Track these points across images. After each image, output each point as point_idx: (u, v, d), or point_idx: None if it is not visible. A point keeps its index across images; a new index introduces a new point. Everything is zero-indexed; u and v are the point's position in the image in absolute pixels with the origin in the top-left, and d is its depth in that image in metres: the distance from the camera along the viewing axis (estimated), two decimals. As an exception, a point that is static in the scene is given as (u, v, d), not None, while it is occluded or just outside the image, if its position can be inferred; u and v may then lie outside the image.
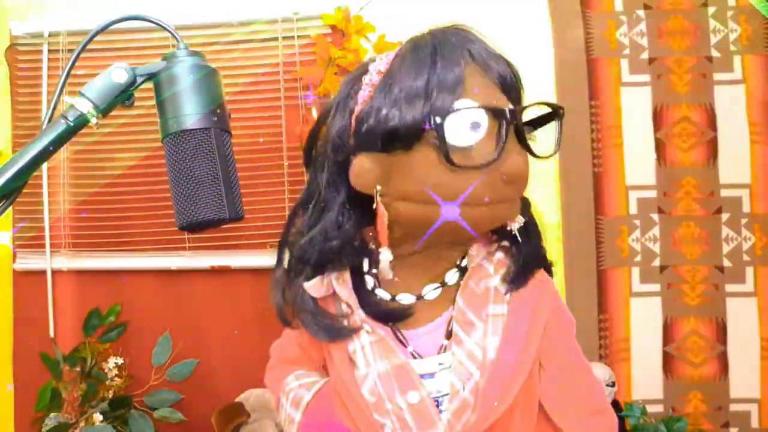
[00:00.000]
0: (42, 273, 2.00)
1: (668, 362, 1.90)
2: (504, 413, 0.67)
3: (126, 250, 2.00)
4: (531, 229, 0.72)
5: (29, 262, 2.02)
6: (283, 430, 0.81)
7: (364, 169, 0.65)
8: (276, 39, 1.96)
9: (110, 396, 1.85)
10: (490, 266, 0.72)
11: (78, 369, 1.85)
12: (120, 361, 1.89)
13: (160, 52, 0.65)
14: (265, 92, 1.97)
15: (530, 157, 0.65)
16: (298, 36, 1.95)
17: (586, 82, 1.93)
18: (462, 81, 0.62)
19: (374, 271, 0.74)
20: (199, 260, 1.98)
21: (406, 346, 0.71)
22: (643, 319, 1.91)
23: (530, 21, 1.93)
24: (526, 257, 0.71)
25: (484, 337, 0.69)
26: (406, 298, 0.72)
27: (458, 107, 0.60)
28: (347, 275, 0.72)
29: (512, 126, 0.62)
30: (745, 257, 1.90)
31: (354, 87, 0.68)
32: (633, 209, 1.93)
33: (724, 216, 1.90)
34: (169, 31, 0.62)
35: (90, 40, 0.62)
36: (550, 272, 0.76)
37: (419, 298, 0.71)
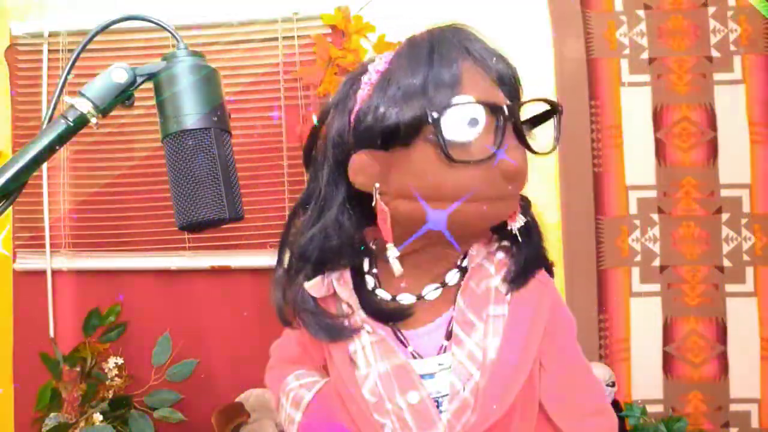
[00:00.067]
0: (42, 273, 2.00)
1: (668, 362, 1.90)
2: (504, 413, 0.67)
3: (126, 250, 2.00)
4: (532, 229, 0.72)
5: (29, 262, 2.02)
6: (283, 430, 0.81)
7: (362, 165, 0.65)
8: (276, 39, 1.96)
9: (110, 396, 1.85)
10: (490, 266, 0.72)
11: (78, 369, 1.85)
12: (120, 361, 1.89)
13: (160, 52, 0.65)
14: (265, 92, 1.97)
15: (531, 156, 0.65)
16: (298, 36, 1.95)
17: (586, 82, 1.93)
18: (459, 78, 0.62)
19: (374, 271, 0.74)
20: (199, 260, 1.98)
21: (406, 347, 0.71)
22: (643, 319, 1.91)
23: (530, 21, 1.93)
24: (527, 257, 0.71)
25: (485, 338, 0.69)
26: (406, 299, 0.72)
27: (456, 102, 0.61)
28: (348, 275, 0.72)
29: (510, 122, 0.62)
30: (745, 257, 1.90)
31: (353, 87, 0.69)
32: (633, 209, 1.93)
33: (724, 216, 1.90)
34: (169, 31, 0.62)
35: (90, 40, 0.62)
36: (551, 272, 0.76)
37: (420, 298, 0.71)
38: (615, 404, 1.72)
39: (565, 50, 1.94)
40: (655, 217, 1.92)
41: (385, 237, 0.67)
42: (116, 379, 1.87)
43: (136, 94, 0.62)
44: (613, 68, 1.94)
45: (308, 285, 0.72)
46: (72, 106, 0.58)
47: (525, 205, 0.72)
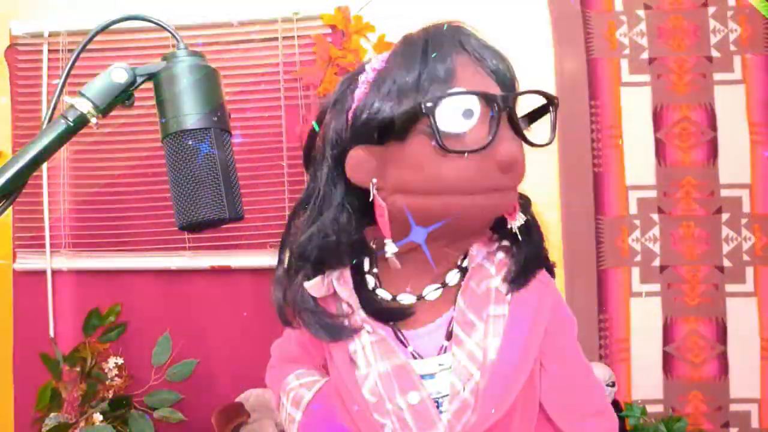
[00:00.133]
0: (42, 273, 2.00)
1: (668, 362, 1.90)
2: (504, 414, 0.67)
3: (126, 250, 2.00)
4: (532, 227, 0.72)
5: (29, 262, 2.02)
6: (283, 430, 0.81)
7: (359, 161, 0.66)
8: (276, 39, 1.96)
9: (110, 396, 1.85)
10: (491, 266, 0.72)
11: (78, 369, 1.84)
12: (120, 361, 1.89)
13: (160, 52, 0.65)
14: (265, 92, 1.97)
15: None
16: (298, 36, 1.95)
17: (586, 82, 1.93)
18: (453, 72, 0.62)
19: (375, 270, 0.74)
20: (199, 260, 1.98)
21: (406, 347, 0.71)
22: (643, 319, 1.91)
23: (530, 21, 1.93)
24: (527, 257, 0.71)
25: (485, 338, 0.69)
26: (406, 299, 0.72)
27: (450, 93, 0.61)
28: (348, 275, 0.72)
29: (505, 113, 0.62)
30: (745, 257, 1.89)
31: (351, 86, 0.69)
32: (633, 209, 1.93)
33: (724, 216, 1.90)
34: (169, 31, 0.62)
35: (90, 40, 0.62)
36: (551, 272, 0.76)
37: (420, 298, 0.71)
38: (615, 404, 1.72)
39: (565, 50, 1.94)
40: (655, 217, 1.92)
41: (383, 232, 0.67)
42: (116, 379, 1.87)
43: (136, 94, 0.62)
44: (613, 68, 1.94)
45: (308, 285, 0.72)
46: (72, 106, 0.58)
47: (525, 204, 0.72)
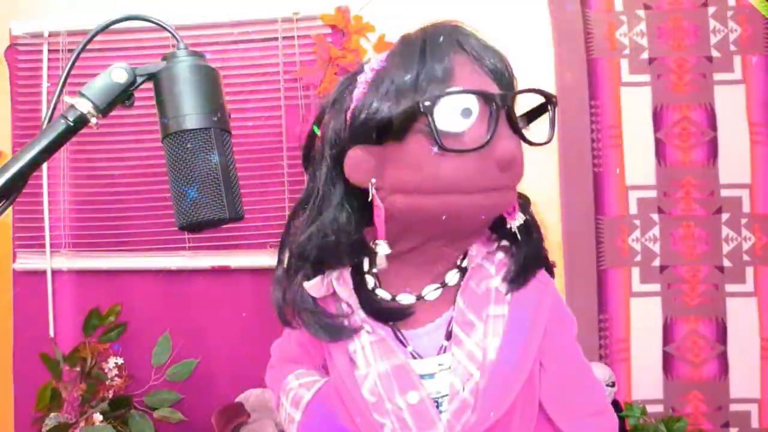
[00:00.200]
0: (42, 273, 2.00)
1: (668, 362, 1.90)
2: (504, 413, 0.67)
3: (126, 250, 2.00)
4: (531, 227, 0.72)
5: (29, 262, 2.02)
6: (283, 430, 0.82)
7: (358, 161, 0.66)
8: (276, 39, 1.96)
9: (110, 396, 1.85)
10: (490, 266, 0.72)
11: (78, 369, 1.84)
12: (120, 361, 1.89)
13: (160, 52, 0.65)
14: (265, 92, 1.97)
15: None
16: (298, 36, 1.95)
17: (586, 82, 1.93)
18: (451, 71, 0.62)
19: (374, 270, 0.74)
20: (199, 260, 1.98)
21: (406, 347, 0.71)
22: (643, 319, 1.91)
23: (530, 21, 1.93)
24: (527, 257, 0.71)
25: (484, 338, 0.69)
26: (406, 299, 0.72)
27: (448, 92, 0.61)
28: (347, 275, 0.72)
29: (504, 111, 0.62)
30: (745, 257, 1.89)
31: (349, 86, 0.69)
32: (633, 209, 1.92)
33: (724, 216, 1.90)
34: (169, 31, 0.62)
35: (90, 40, 0.62)
36: (551, 272, 0.76)
37: (419, 298, 0.71)
38: (615, 404, 1.72)
39: (565, 50, 1.94)
40: (655, 217, 1.92)
41: (378, 233, 0.67)
42: (116, 379, 1.87)
43: (136, 94, 0.62)
44: (613, 68, 1.94)
45: (308, 285, 0.72)
46: (72, 106, 0.58)
47: (524, 204, 0.72)
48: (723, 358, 1.89)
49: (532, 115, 0.69)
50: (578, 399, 0.74)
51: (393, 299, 0.72)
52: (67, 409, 1.81)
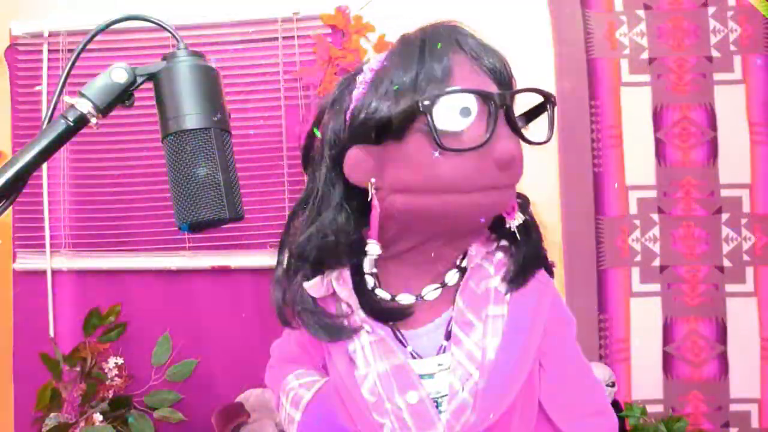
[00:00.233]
0: (42, 273, 2.00)
1: (668, 362, 1.90)
2: (504, 413, 0.67)
3: (126, 250, 2.00)
4: (531, 227, 0.72)
5: (29, 262, 2.02)
6: (283, 430, 0.82)
7: (357, 161, 0.66)
8: (276, 39, 1.96)
9: (110, 396, 1.85)
10: (490, 267, 0.72)
11: (78, 369, 1.84)
12: (120, 361, 1.89)
13: (160, 52, 0.65)
14: (265, 92, 1.97)
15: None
16: (298, 36, 1.95)
17: (586, 82, 1.93)
18: (450, 71, 0.62)
19: (374, 270, 0.74)
20: (199, 260, 1.98)
21: (405, 347, 0.71)
22: (643, 319, 1.91)
23: (530, 21, 1.93)
24: (526, 257, 0.71)
25: (484, 338, 0.69)
26: (405, 299, 0.72)
27: (447, 91, 0.61)
28: (347, 275, 0.72)
29: (503, 110, 0.62)
30: (745, 257, 1.90)
31: (349, 87, 0.69)
32: (633, 209, 1.93)
33: (724, 216, 1.90)
34: (169, 31, 0.62)
35: (90, 40, 0.62)
36: (550, 272, 0.76)
37: (419, 298, 0.71)
38: (615, 404, 1.72)
39: (565, 50, 1.94)
40: (655, 217, 1.92)
41: (371, 232, 0.67)
42: (116, 379, 1.87)
43: (136, 94, 0.62)
44: (613, 68, 1.94)
45: (307, 285, 0.72)
46: (72, 106, 0.58)
47: (523, 204, 0.72)
48: (723, 358, 1.89)
49: (531, 114, 0.69)
50: (578, 399, 0.74)
51: (392, 299, 0.72)
52: (67, 409, 1.81)
